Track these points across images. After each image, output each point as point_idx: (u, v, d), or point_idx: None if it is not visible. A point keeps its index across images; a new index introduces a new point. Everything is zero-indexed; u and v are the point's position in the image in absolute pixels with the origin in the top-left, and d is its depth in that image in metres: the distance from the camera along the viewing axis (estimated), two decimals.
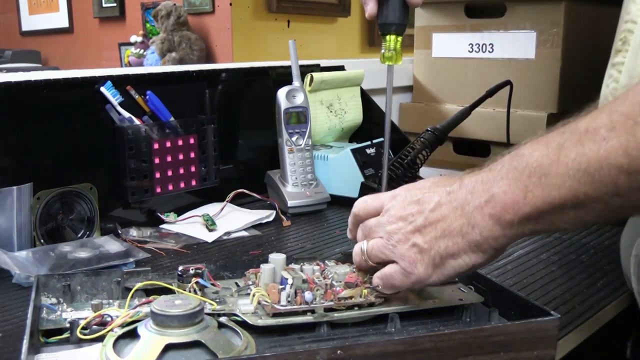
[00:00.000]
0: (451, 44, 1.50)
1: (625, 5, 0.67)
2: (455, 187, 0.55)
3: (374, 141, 1.19)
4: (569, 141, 0.47)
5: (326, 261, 0.69)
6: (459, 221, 0.54)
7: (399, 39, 0.79)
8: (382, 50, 0.79)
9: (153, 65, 2.43)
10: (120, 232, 0.94)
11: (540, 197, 0.48)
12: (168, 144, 1.01)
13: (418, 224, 0.56)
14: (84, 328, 0.57)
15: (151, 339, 0.52)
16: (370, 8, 0.77)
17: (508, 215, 0.50)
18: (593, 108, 0.48)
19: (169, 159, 1.01)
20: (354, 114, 1.33)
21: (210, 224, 0.97)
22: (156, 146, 0.99)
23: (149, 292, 0.65)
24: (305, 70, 1.22)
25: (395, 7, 0.77)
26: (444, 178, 0.59)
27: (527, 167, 0.49)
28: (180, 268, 0.65)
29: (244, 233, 0.97)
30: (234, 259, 0.85)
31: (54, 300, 0.64)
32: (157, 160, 1.00)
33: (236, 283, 0.67)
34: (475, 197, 0.53)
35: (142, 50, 2.63)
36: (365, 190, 1.06)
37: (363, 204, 0.63)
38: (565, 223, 0.49)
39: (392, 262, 0.58)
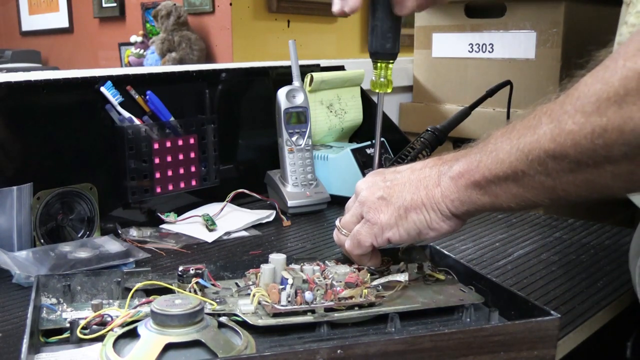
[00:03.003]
0: (451, 44, 1.50)
1: (619, 27, 0.67)
2: (418, 166, 0.63)
3: (374, 141, 1.18)
4: (521, 124, 0.52)
5: (326, 261, 0.69)
6: (425, 181, 0.61)
7: (390, 66, 0.78)
8: (372, 78, 0.79)
9: (153, 65, 2.43)
10: (120, 232, 0.94)
11: (488, 167, 0.55)
12: (168, 144, 1.01)
13: (386, 185, 0.63)
14: (84, 328, 0.57)
15: (151, 339, 0.52)
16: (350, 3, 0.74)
17: (463, 179, 0.57)
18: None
19: (169, 159, 1.01)
20: (354, 114, 1.33)
21: (210, 224, 0.97)
22: (156, 146, 0.99)
23: (149, 292, 0.65)
24: (305, 70, 1.22)
25: (386, 35, 0.76)
26: None
27: (487, 144, 0.56)
28: (181, 268, 0.65)
29: (244, 233, 0.97)
30: (234, 259, 0.85)
31: (54, 300, 0.64)
32: (157, 160, 1.00)
33: (236, 283, 0.67)
34: (442, 166, 0.60)
35: (142, 50, 2.63)
36: None
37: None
38: (509, 198, 0.54)
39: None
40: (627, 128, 0.44)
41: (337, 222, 0.69)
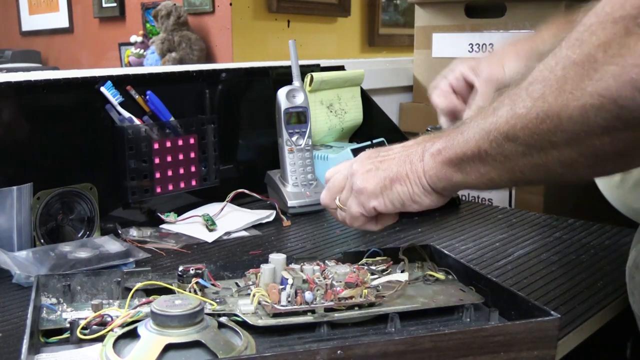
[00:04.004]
0: (451, 44, 1.50)
1: None
2: (410, 143, 0.66)
3: (374, 141, 1.18)
4: (490, 106, 0.54)
5: (326, 261, 0.69)
6: (411, 156, 0.64)
7: None
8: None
9: (153, 65, 2.43)
10: (120, 232, 0.94)
11: (459, 146, 0.57)
12: (168, 144, 1.01)
13: (377, 159, 0.66)
14: (84, 328, 0.57)
15: (151, 339, 0.52)
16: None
17: (440, 156, 0.60)
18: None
19: (169, 159, 1.01)
20: (354, 114, 1.33)
21: (210, 224, 0.97)
22: (156, 146, 0.99)
23: (149, 292, 0.65)
24: (305, 70, 1.22)
25: None
26: None
27: (464, 124, 0.59)
28: (181, 268, 0.65)
29: (244, 233, 0.97)
30: (234, 259, 0.85)
31: (54, 300, 0.64)
32: (157, 160, 1.00)
33: (236, 283, 0.67)
34: (427, 143, 0.63)
35: (142, 50, 2.63)
36: None
37: (331, 174, 0.74)
38: (477, 176, 0.57)
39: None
40: (564, 115, 0.45)
41: (337, 202, 0.71)
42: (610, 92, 0.42)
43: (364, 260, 0.72)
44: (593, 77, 0.43)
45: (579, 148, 0.47)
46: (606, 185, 0.68)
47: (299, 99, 1.10)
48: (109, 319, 0.58)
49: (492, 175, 0.56)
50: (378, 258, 0.72)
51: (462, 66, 0.89)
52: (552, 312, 0.56)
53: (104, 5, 3.06)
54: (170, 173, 1.02)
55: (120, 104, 0.97)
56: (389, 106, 1.59)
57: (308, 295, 0.60)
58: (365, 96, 1.36)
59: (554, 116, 0.46)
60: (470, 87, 0.87)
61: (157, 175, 1.00)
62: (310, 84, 1.22)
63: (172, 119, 1.02)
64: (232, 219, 1.01)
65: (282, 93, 1.09)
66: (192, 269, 0.65)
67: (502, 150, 0.52)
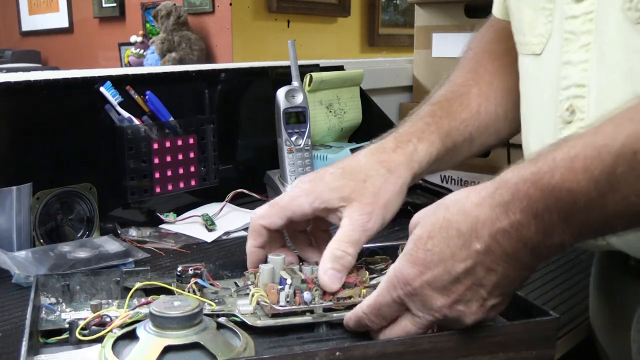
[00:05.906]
0: (451, 44, 1.49)
1: (557, 70, 0.58)
2: (495, 241, 0.48)
3: (374, 141, 1.18)
4: (602, 183, 0.43)
5: None
6: (518, 263, 0.49)
7: None
8: None
9: (153, 65, 2.43)
10: (119, 232, 0.94)
11: (584, 234, 0.47)
12: (167, 144, 1.01)
13: (483, 295, 0.51)
14: (83, 329, 0.57)
15: (150, 341, 0.52)
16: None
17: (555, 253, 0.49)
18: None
19: (168, 159, 1.01)
20: (354, 114, 1.33)
21: (209, 224, 0.97)
22: (156, 146, 0.99)
23: (148, 292, 0.65)
24: (304, 70, 1.22)
25: None
26: (450, 226, 0.51)
27: (575, 209, 0.45)
28: (180, 268, 0.65)
29: (244, 233, 0.97)
30: (233, 259, 0.85)
31: (53, 300, 0.64)
32: (156, 160, 1.00)
33: (235, 283, 0.67)
34: (528, 249, 0.48)
35: (142, 50, 2.64)
36: None
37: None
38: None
39: None
40: None
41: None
42: None
43: (362, 260, 0.71)
44: None
45: None
46: None
47: (299, 99, 1.10)
48: (108, 319, 0.58)
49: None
50: (377, 257, 0.72)
51: (255, 217, 0.67)
52: (551, 312, 0.56)
53: (104, 5, 3.07)
54: (169, 173, 1.02)
55: (120, 104, 0.97)
56: (389, 106, 1.59)
57: (307, 295, 0.60)
58: (365, 96, 1.36)
59: None
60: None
61: (157, 175, 1.00)
62: (309, 84, 1.22)
63: (171, 119, 1.02)
64: (231, 219, 1.01)
65: (281, 93, 1.09)
66: (191, 269, 0.65)
67: None
